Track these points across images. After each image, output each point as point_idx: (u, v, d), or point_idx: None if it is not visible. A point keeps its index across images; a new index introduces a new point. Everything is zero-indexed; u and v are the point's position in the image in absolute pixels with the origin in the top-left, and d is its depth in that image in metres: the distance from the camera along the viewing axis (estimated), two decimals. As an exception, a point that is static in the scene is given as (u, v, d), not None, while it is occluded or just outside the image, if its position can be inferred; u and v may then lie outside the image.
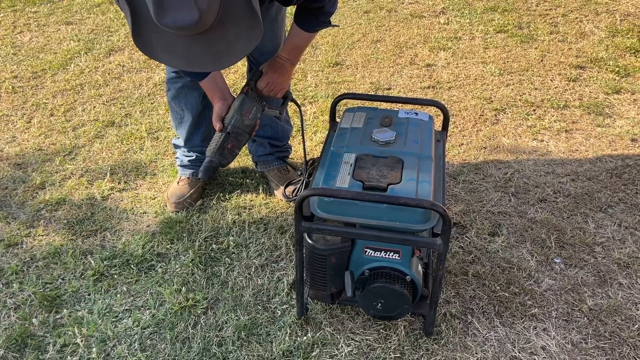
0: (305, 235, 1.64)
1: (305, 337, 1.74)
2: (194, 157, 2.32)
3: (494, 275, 1.98)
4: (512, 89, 3.19)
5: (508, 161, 2.60)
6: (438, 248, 1.53)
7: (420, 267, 1.74)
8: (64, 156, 2.62)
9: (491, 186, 2.43)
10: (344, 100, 2.23)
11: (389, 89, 3.23)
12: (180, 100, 2.19)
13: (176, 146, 2.37)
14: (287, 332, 1.76)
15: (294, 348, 1.71)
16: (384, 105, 2.12)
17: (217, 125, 1.87)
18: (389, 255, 1.66)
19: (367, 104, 2.81)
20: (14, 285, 1.93)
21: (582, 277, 1.98)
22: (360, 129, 1.84)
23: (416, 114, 1.93)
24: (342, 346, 1.73)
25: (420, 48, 3.71)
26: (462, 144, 2.72)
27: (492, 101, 3.08)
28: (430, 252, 1.91)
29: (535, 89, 3.19)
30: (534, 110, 2.99)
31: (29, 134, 2.78)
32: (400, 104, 2.16)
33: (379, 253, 1.66)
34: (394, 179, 1.61)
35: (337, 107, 2.06)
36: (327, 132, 1.98)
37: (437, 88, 3.22)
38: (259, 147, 2.41)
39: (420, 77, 3.35)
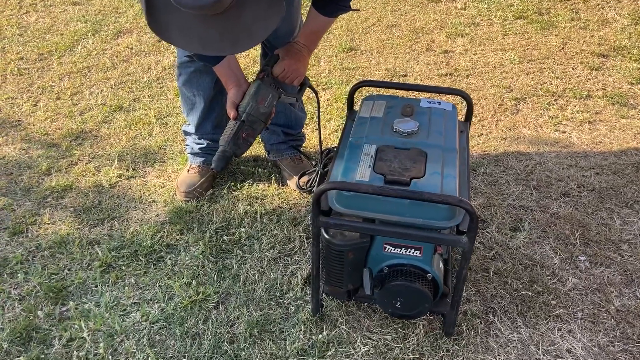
0: (322, 230, 1.56)
1: (320, 335, 1.67)
2: (205, 145, 2.24)
3: (516, 272, 1.90)
4: (533, 78, 3.08)
5: (529, 153, 2.50)
6: (463, 246, 1.45)
7: (441, 265, 1.66)
8: (70, 141, 2.54)
9: (512, 179, 2.34)
10: (362, 87, 2.14)
11: (405, 75, 3.13)
12: (192, 85, 2.11)
13: (186, 133, 2.28)
14: (301, 330, 1.70)
15: (309, 347, 1.65)
16: (400, 94, 2.04)
17: (231, 113, 1.79)
18: (409, 252, 1.58)
19: (386, 91, 2.72)
20: (18, 275, 1.86)
21: (608, 276, 1.90)
22: (380, 118, 1.76)
23: (439, 103, 1.84)
24: (358, 345, 1.66)
25: (437, 34, 3.59)
26: (482, 135, 2.63)
27: (511, 90, 2.97)
28: (450, 249, 1.84)
29: (557, 77, 3.08)
30: (556, 100, 2.89)
31: (35, 118, 2.70)
32: (422, 93, 2.07)
33: (399, 250, 1.58)
34: (417, 173, 1.53)
35: (354, 95, 1.97)
36: (344, 121, 1.90)
37: (454, 75, 3.12)
38: (271, 135, 2.32)
39: (437, 64, 3.24)
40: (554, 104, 2.85)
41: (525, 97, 2.90)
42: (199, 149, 2.25)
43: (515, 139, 2.60)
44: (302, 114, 2.35)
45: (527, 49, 3.39)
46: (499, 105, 2.85)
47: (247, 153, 2.47)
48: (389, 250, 1.59)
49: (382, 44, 3.47)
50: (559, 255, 1.98)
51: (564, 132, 2.65)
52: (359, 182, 1.50)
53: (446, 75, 3.12)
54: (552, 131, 2.65)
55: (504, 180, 2.34)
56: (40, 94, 2.89)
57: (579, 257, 1.98)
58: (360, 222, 1.51)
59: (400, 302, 1.62)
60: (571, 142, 2.57)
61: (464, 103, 1.92)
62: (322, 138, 2.06)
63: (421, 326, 1.72)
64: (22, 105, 2.80)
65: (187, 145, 2.31)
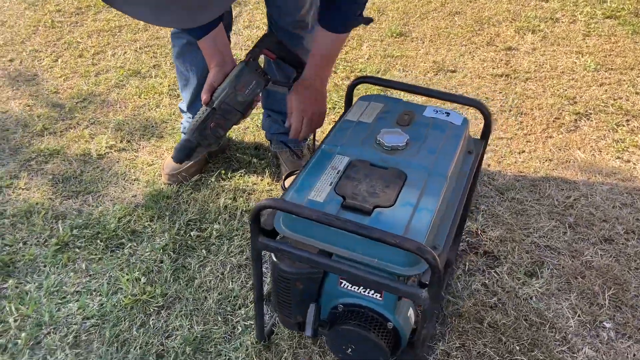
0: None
1: (256, 369, 1.44)
2: (196, 126, 2.03)
3: (517, 330, 1.56)
4: (606, 90, 2.61)
5: (576, 182, 2.09)
6: (423, 303, 1.15)
7: (411, 311, 1.37)
8: (76, 103, 2.43)
9: (545, 211, 1.96)
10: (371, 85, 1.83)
11: (454, 71, 2.75)
12: (185, 59, 1.90)
13: (182, 110, 2.09)
14: (240, 357, 1.47)
15: (241, 379, 1.42)
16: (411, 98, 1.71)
17: (204, 97, 1.56)
18: (369, 292, 1.30)
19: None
20: (-28, 241, 1.77)
21: (635, 354, 1.52)
22: (367, 125, 1.46)
23: (447, 114, 1.51)
24: (299, 388, 1.41)
25: (504, 27, 3.16)
26: (524, 152, 2.24)
27: (575, 102, 2.53)
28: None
29: (637, 93, 2.60)
30: (628, 120, 2.42)
31: (51, 74, 2.61)
32: (432, 99, 1.74)
33: (356, 288, 1.31)
34: (385, 200, 1.23)
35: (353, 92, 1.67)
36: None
37: (511, 77, 2.71)
38: (272, 124, 2.08)
39: (494, 61, 2.83)
40: (623, 126, 2.39)
41: (590, 113, 2.46)
42: (191, 129, 2.05)
43: (564, 162, 2.19)
44: None
45: (610, 55, 2.89)
46: (555, 118, 2.43)
47: (249, 139, 2.25)
48: (345, 287, 1.32)
49: (438, 32, 3.09)
50: (579, 316, 1.61)
51: (628, 161, 2.20)
52: (311, 202, 1.23)
53: (501, 76, 2.72)
54: (612, 158, 2.21)
55: (534, 211, 1.96)
56: (64, 50, 2.80)
57: (604, 323, 1.60)
58: (308, 250, 1.24)
59: (351, 350, 1.35)
60: (633, 176, 2.13)
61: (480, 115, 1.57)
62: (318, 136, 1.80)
63: (380, 378, 1.44)
64: (43, 59, 2.72)
65: (181, 123, 2.12)
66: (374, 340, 1.29)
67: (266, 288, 1.63)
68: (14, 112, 2.36)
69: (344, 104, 1.65)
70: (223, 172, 2.07)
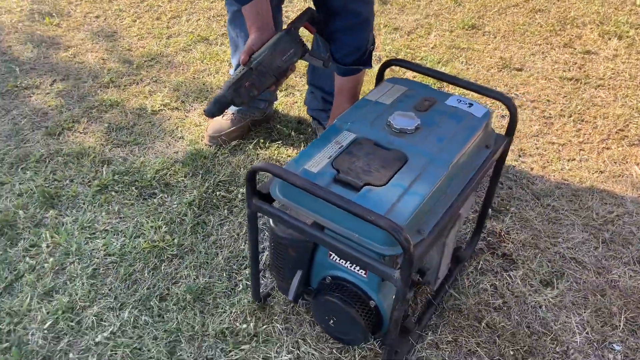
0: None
1: (245, 325, 1.50)
2: (241, 93, 2.11)
3: (515, 335, 1.52)
4: (686, 107, 2.40)
5: (623, 198, 1.96)
6: (395, 283, 1.16)
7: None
8: (144, 61, 2.59)
9: (581, 222, 1.86)
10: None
11: (520, 69, 2.64)
12: (235, 26, 1.97)
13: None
14: (235, 312, 1.54)
15: (229, 332, 1.49)
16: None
17: (242, 57, 1.61)
18: (355, 268, 1.32)
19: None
20: (28, 172, 1.96)
21: (640, 383, 1.43)
22: (384, 106, 1.46)
23: (470, 104, 1.48)
24: (281, 352, 1.46)
25: (588, 29, 2.97)
26: (574, 160, 2.13)
27: (646, 115, 2.36)
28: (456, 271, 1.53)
29: None
30: (702, 141, 2.22)
31: (128, 33, 2.80)
32: (458, 88, 1.70)
33: (344, 262, 1.33)
34: (377, 179, 1.24)
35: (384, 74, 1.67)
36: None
37: (581, 82, 2.56)
38: (312, 100, 2.11)
39: (567, 64, 2.69)
40: (695, 146, 2.20)
41: (660, 129, 2.28)
42: (236, 95, 2.13)
43: (616, 176, 2.06)
44: None
45: (701, 71, 2.65)
46: (619, 130, 2.27)
47: (294, 114, 2.30)
48: (334, 259, 1.34)
49: (514, 28, 2.97)
50: (587, 333, 1.53)
51: (691, 184, 2.03)
52: (305, 172, 1.26)
53: (570, 79, 2.57)
54: (673, 179, 2.05)
55: (568, 222, 1.87)
56: (145, 12, 2.99)
57: (614, 344, 1.51)
58: (290, 215, 1.28)
59: (333, 321, 1.37)
60: (691, 200, 1.97)
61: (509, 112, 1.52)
62: None
63: (362, 357, 1.46)
64: (125, 19, 2.92)
65: (231, 89, 2.20)
66: (354, 316, 1.31)
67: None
68: (89, 63, 2.56)
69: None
70: (262, 141, 2.14)
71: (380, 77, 1.65)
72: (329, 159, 1.30)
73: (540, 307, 1.60)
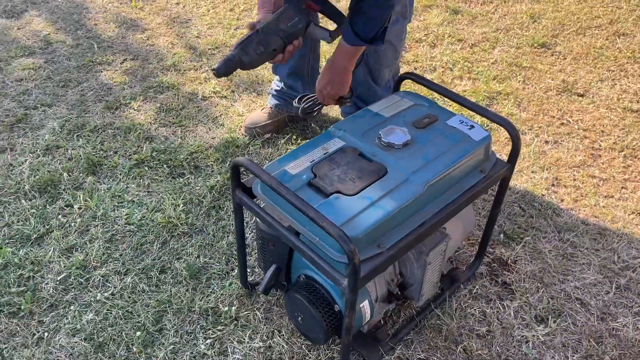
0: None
1: (226, 309, 1.59)
2: (279, 89, 2.20)
3: (490, 366, 1.49)
4: None
5: (656, 244, 1.83)
6: (344, 290, 1.19)
7: (365, 303, 1.39)
8: (208, 49, 2.76)
9: (598, 264, 1.76)
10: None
11: (582, 95, 2.51)
12: None
13: (273, 71, 2.27)
14: (222, 294, 1.64)
15: (212, 312, 1.59)
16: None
17: (249, 27, 1.65)
18: (324, 271, 1.36)
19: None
20: (81, 140, 2.18)
21: None
22: (382, 118, 1.48)
23: (471, 126, 1.46)
24: (255, 338, 1.54)
25: (673, 59, 2.74)
26: (612, 197, 2.00)
27: None
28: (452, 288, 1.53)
29: None
30: None
31: (201, 21, 2.98)
32: (465, 109, 1.66)
33: (315, 263, 1.38)
34: (349, 189, 1.27)
35: (399, 87, 1.68)
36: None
37: (645, 116, 2.38)
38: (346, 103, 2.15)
39: (637, 95, 2.51)
40: None
41: None
42: (275, 90, 2.22)
43: (655, 220, 1.92)
44: (385, 92, 2.10)
45: None
46: (673, 171, 2.10)
47: (334, 114, 2.35)
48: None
49: (588, 50, 2.80)
50: (569, 378, 1.47)
51: None
52: (283, 172, 1.32)
53: (635, 111, 2.40)
54: None
55: (585, 261, 1.78)
56: (221, 2, 3.16)
57: (595, 395, 1.44)
58: (264, 213, 1.34)
59: (301, 319, 1.43)
60: None
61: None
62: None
63: (322, 356, 1.50)
64: (202, 7, 3.11)
65: (273, 82, 2.30)
66: (317, 317, 1.36)
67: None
68: (159, 46, 2.77)
69: (386, 96, 1.66)
70: (294, 137, 2.22)
71: (396, 90, 1.67)
72: (310, 163, 1.35)
73: (527, 342, 1.55)
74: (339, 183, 1.29)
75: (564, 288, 1.70)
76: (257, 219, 1.45)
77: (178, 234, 1.83)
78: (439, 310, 1.62)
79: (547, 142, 2.24)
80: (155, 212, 1.90)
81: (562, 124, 2.34)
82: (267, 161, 2.11)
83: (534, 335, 1.56)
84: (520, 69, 2.66)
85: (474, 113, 1.70)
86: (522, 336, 1.56)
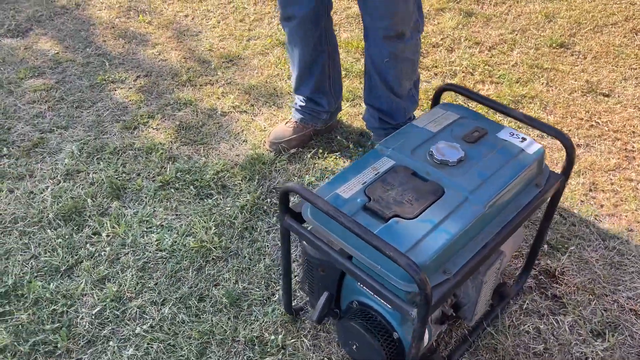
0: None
1: (274, 337, 1.53)
2: (304, 104, 2.14)
3: (551, 386, 1.43)
4: None
5: (703, 248, 1.78)
6: (412, 321, 1.13)
7: (427, 327, 1.33)
8: (222, 62, 2.69)
9: (648, 271, 1.72)
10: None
11: (607, 95, 2.46)
12: (291, 46, 2.01)
13: (292, 88, 2.21)
14: (267, 321, 1.58)
15: (258, 341, 1.53)
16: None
17: None
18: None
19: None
20: (101, 163, 2.11)
21: None
22: (430, 134, 1.42)
23: (523, 139, 1.40)
24: (305, 367, 1.48)
25: (695, 55, 2.71)
26: (652, 200, 1.96)
27: None
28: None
29: None
30: None
31: (212, 33, 2.92)
32: (514, 121, 1.61)
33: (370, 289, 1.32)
34: (408, 212, 1.21)
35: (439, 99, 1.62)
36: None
37: (675, 114, 2.34)
38: (370, 118, 2.10)
39: (663, 92, 2.47)
40: None
41: None
42: (300, 106, 2.16)
43: (699, 223, 1.87)
44: (411, 103, 2.04)
45: None
46: None
47: (357, 125, 2.30)
48: (361, 285, 1.34)
49: (608, 49, 2.76)
50: (634, 395, 1.42)
51: None
52: (336, 197, 1.26)
53: (663, 110, 2.36)
54: None
55: (634, 269, 1.73)
56: (231, 13, 3.09)
57: (663, 412, 1.39)
58: (324, 240, 1.29)
59: (356, 347, 1.37)
60: None
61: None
62: None
63: (383, 384, 1.44)
64: (211, 19, 3.04)
65: (295, 102, 2.24)
66: (375, 346, 1.30)
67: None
68: (171, 61, 2.71)
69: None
70: (320, 151, 2.16)
71: (436, 102, 1.61)
72: (362, 185, 1.29)
73: (587, 359, 1.50)
74: (396, 206, 1.23)
75: (616, 299, 1.65)
76: (305, 244, 1.40)
77: (213, 258, 1.76)
78: (491, 329, 1.56)
79: (578, 145, 2.19)
80: (187, 236, 1.83)
81: (592, 126, 2.29)
82: (295, 177, 2.05)
83: (592, 351, 1.51)
84: (542, 71, 2.61)
85: (519, 123, 1.65)
86: (581, 352, 1.51)
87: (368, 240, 1.10)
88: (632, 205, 1.94)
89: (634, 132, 2.26)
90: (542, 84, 2.53)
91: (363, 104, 2.39)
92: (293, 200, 1.91)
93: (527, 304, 1.63)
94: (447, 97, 2.36)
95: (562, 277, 1.71)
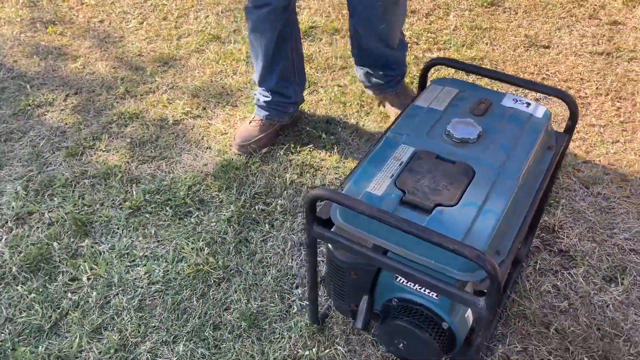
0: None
1: (308, 352, 1.44)
2: (269, 99, 2.02)
3: (587, 340, 1.46)
4: None
5: (675, 179, 1.90)
6: (479, 312, 1.09)
7: (469, 312, 1.30)
8: (157, 67, 2.48)
9: (635, 210, 1.80)
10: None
11: (547, 47, 2.54)
12: (257, 36, 1.88)
13: (255, 82, 2.07)
14: (294, 337, 1.48)
15: (292, 360, 1.44)
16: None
17: None
18: (425, 290, 1.25)
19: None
20: (55, 199, 1.88)
21: None
22: (438, 112, 1.37)
23: (527, 104, 1.39)
24: (348, 376, 1.40)
25: (611, -3, 2.86)
26: (618, 142, 2.05)
27: (685, 88, 2.27)
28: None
29: None
30: None
31: (136, 37, 2.68)
32: (512, 86, 1.61)
33: (413, 284, 1.26)
34: (448, 199, 1.16)
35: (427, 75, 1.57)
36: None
37: (612, 56, 2.46)
38: (370, 77, 2.12)
39: (595, 37, 2.59)
40: None
41: (702, 101, 2.20)
42: (264, 101, 2.03)
43: (663, 156, 1.99)
44: (401, 51, 2.08)
45: None
46: (659, 105, 2.19)
47: (321, 113, 2.21)
48: (401, 281, 1.27)
49: (535, 2, 2.85)
50: (659, 331, 1.48)
51: None
52: (369, 195, 1.18)
53: (601, 54, 2.48)
54: None
55: (623, 210, 1.80)
56: (150, 12, 2.86)
57: (689, 341, 1.46)
58: (362, 243, 1.21)
59: (403, 345, 1.31)
60: None
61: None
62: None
63: (431, 375, 1.40)
64: (131, 21, 2.80)
65: (254, 93, 2.11)
66: (427, 340, 1.25)
67: (323, 269, 1.62)
68: (100, 73, 2.46)
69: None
70: (292, 145, 2.06)
71: (424, 79, 1.56)
72: (391, 179, 1.22)
73: (607, 306, 1.54)
74: (434, 194, 1.17)
75: (615, 242, 1.71)
76: (331, 249, 1.31)
77: (214, 281, 1.63)
78: (515, 295, 1.57)
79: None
80: (178, 262, 1.68)
81: (543, 79, 2.36)
82: (275, 178, 1.94)
83: (611, 298, 1.56)
84: (482, 31, 2.65)
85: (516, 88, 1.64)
86: (602, 301, 1.55)
87: (425, 237, 1.04)
88: (601, 149, 2.02)
89: (582, 79, 2.35)
90: (486, 44, 2.57)
91: (322, 91, 2.31)
92: (281, 208, 1.81)
93: (539, 263, 1.65)
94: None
95: (562, 231, 1.74)
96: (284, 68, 1.93)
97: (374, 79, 2.12)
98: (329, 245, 1.31)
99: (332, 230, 1.25)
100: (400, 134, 1.32)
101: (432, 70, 1.90)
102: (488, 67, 2.42)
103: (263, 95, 2.04)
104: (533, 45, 2.55)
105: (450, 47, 2.54)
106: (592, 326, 1.50)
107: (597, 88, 2.29)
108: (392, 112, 2.14)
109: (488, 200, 1.17)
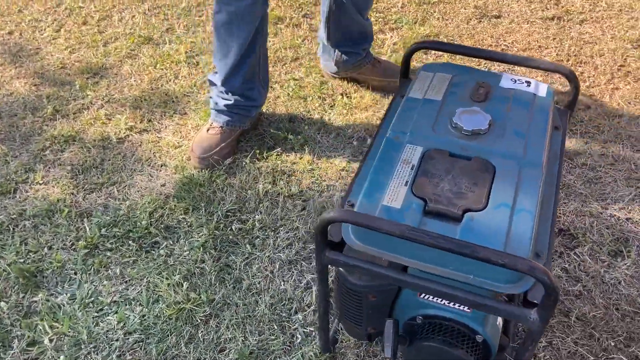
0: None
1: (324, 387, 1.29)
2: (232, 102, 1.80)
3: (609, 323, 1.40)
4: (672, 29, 2.33)
5: (652, 140, 1.87)
6: (531, 325, 0.97)
7: (499, 318, 1.19)
8: (86, 79, 2.20)
9: (622, 177, 1.76)
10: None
11: (498, 17, 2.47)
12: (231, 30, 1.66)
13: (212, 83, 1.85)
14: (303, 371, 1.32)
15: (308, 399, 1.28)
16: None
17: None
18: (454, 304, 1.12)
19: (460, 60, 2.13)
20: (-7, 249, 1.60)
21: None
22: (437, 103, 1.24)
23: (528, 83, 1.28)
24: (373, 406, 1.26)
25: (549, -40, 2.83)
26: (589, 108, 2.01)
27: None
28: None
29: None
30: (701, 63, 2.16)
31: (55, 47, 2.37)
32: (508, 65, 1.50)
33: (439, 299, 1.13)
34: (475, 202, 1.03)
35: (410, 60, 1.43)
36: (391, 98, 1.40)
37: (563, 20, 2.43)
38: (350, 57, 2.04)
39: (542, 2, 2.54)
40: (697, 70, 2.13)
41: (658, 57, 2.20)
42: (224, 105, 1.82)
43: (637, 117, 1.96)
44: (370, 25, 2.06)
45: (670, -13, 2.58)
46: (620, 66, 2.17)
47: (281, 111, 2.03)
48: (426, 298, 1.14)
49: (476, -29, 2.77)
50: (675, 301, 1.44)
51: None
52: (387, 209, 1.03)
53: (552, 19, 2.43)
54: (689, 109, 1.98)
55: (610, 178, 1.76)
56: (67, 17, 2.54)
57: None
58: (383, 265, 1.06)
59: (434, 365, 1.18)
60: None
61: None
62: (371, 113, 1.58)
63: (462, 389, 1.28)
64: (45, 29, 2.47)
65: (211, 97, 1.88)
66: (462, 357, 1.13)
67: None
68: (20, 93, 2.14)
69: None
70: (257, 151, 1.87)
71: (406, 65, 1.42)
72: (406, 186, 1.07)
73: (620, 282, 1.49)
74: (459, 199, 1.04)
75: (611, 213, 1.66)
76: (344, 273, 1.15)
77: (201, 319, 1.43)
78: (527, 286, 1.48)
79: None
80: (154, 304, 1.47)
81: (503, 49, 2.29)
82: (247, 191, 1.75)
83: (621, 273, 1.51)
84: (431, 6, 2.54)
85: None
86: (613, 277, 1.50)
87: (469, 254, 0.90)
88: (576, 117, 1.97)
89: (540, 46, 2.30)
90: (438, 19, 2.46)
91: (277, 87, 2.12)
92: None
93: (542, 247, 1.57)
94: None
95: (558, 209, 1.67)
96: (251, 66, 1.74)
97: (352, 56, 2.04)
98: (340, 269, 1.16)
99: (343, 252, 1.09)
100: (402, 133, 1.18)
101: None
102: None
103: (222, 98, 1.83)
104: (484, 16, 2.47)
105: (402, 25, 2.41)
106: (610, 307, 1.43)
107: (557, 54, 2.24)
108: (377, 81, 2.10)
109: (517, 197, 1.04)
